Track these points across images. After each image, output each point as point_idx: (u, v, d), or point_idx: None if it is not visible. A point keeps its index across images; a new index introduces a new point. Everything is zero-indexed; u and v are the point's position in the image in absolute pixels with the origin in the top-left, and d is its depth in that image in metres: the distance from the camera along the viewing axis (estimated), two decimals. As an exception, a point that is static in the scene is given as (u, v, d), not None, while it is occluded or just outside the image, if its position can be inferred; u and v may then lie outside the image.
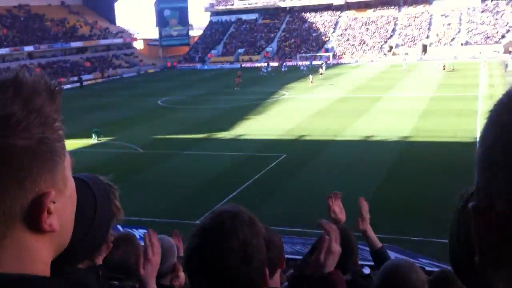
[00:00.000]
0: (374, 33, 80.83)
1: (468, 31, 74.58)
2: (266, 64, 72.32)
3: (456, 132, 28.05)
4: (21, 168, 0.86)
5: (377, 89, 45.97)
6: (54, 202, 0.92)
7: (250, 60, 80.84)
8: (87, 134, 31.04)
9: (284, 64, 71.46)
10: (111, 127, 34.84)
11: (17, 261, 0.90)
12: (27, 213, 0.89)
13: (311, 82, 51.50)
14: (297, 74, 61.56)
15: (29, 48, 73.68)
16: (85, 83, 67.21)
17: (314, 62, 72.48)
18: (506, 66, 51.92)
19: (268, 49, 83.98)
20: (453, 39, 73.89)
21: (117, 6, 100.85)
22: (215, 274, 1.64)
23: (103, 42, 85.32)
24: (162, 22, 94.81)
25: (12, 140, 0.84)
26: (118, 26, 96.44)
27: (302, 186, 20.96)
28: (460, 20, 77.81)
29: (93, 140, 31.26)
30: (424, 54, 72.14)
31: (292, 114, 36.65)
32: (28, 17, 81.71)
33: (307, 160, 24.81)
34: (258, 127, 33.33)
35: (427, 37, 76.44)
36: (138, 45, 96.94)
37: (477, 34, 73.16)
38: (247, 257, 1.64)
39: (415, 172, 21.67)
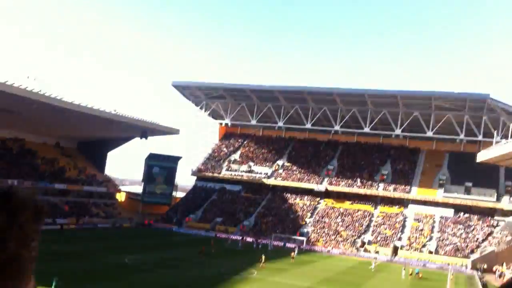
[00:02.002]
0: (349, 225, 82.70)
1: (439, 240, 76.75)
2: (239, 238, 73.30)
3: None
4: None
5: (344, 284, 46.11)
6: None
7: (226, 231, 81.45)
8: (46, 281, 30.41)
9: (260, 241, 72.33)
10: (70, 278, 34.16)
11: None
12: None
13: (262, 263, 50.81)
14: (271, 254, 61.77)
15: (12, 182, 74.27)
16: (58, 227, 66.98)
17: (288, 245, 73.22)
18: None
19: (246, 222, 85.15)
20: (424, 245, 75.49)
21: (109, 154, 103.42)
22: None
23: (87, 188, 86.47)
24: (149, 178, 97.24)
25: None
26: (105, 175, 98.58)
27: None
28: (433, 227, 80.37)
29: (50, 291, 30.49)
30: (395, 256, 73.35)
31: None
32: (21, 151, 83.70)
33: None
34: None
35: (400, 239, 78.17)
36: (120, 196, 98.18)
37: (448, 245, 75.21)
38: None
39: None
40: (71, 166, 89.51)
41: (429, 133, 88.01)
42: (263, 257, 52.20)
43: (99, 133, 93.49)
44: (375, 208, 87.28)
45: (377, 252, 73.62)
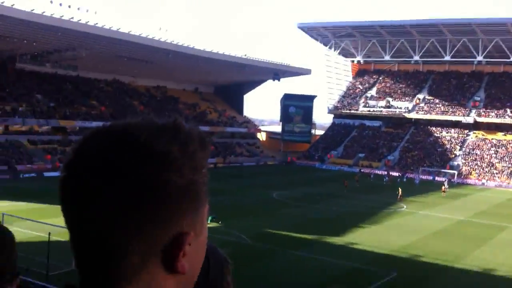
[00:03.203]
0: (503, 157, 76.75)
1: None
2: (385, 172, 71.63)
3: None
4: (171, 204, 0.90)
5: (503, 217, 42.85)
6: (189, 245, 0.94)
7: (370, 166, 79.90)
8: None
9: (406, 175, 70.12)
10: (223, 213, 35.20)
11: None
12: (165, 250, 0.91)
13: (399, 196, 49.05)
14: (419, 188, 59.51)
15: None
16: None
17: (437, 178, 70.05)
18: None
19: (390, 157, 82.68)
20: None
21: (245, 97, 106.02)
22: None
23: (229, 129, 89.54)
24: (286, 118, 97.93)
25: (168, 175, 0.90)
26: (245, 116, 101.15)
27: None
28: None
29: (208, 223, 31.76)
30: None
31: (408, 230, 35.08)
32: (164, 98, 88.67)
33: (419, 284, 23.23)
34: (370, 237, 32.16)
35: None
36: (261, 136, 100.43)
37: None
38: None
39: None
40: (212, 110, 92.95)
41: None
42: (400, 190, 50.28)
43: (233, 77, 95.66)
44: (534, 135, 79.92)
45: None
